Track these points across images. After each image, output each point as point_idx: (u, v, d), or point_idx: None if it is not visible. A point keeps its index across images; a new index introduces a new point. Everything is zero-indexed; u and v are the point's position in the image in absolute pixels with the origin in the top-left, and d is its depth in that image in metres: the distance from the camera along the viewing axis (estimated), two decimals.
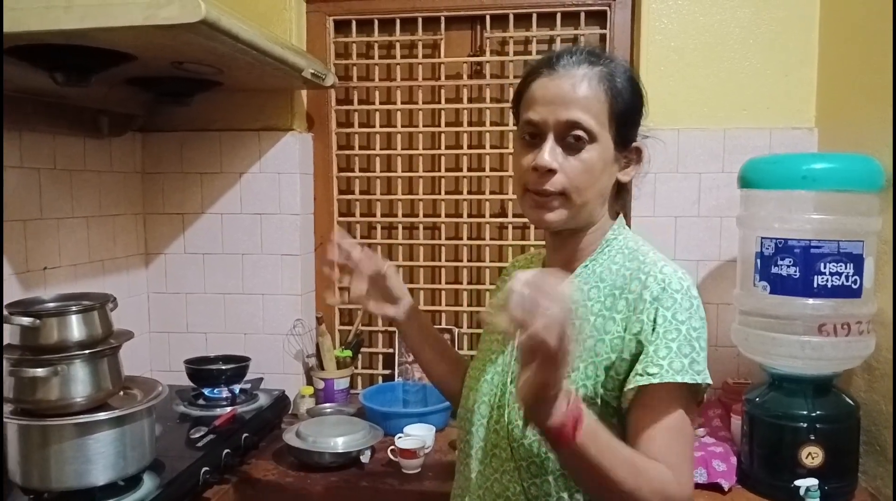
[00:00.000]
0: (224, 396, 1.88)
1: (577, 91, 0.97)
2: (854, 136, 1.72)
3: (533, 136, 1.00)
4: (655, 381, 0.92)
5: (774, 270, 1.53)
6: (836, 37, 1.84)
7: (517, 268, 1.18)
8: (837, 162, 1.54)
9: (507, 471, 1.02)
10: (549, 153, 0.98)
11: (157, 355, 2.11)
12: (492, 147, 2.13)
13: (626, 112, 1.01)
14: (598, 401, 0.98)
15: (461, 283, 2.18)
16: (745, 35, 1.93)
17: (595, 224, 1.06)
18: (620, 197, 1.10)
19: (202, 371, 1.91)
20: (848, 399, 1.55)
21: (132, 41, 1.31)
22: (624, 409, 0.97)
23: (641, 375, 0.93)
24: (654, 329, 0.94)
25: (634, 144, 1.04)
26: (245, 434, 1.70)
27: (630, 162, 1.05)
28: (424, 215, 2.18)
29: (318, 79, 1.83)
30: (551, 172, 0.98)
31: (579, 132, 0.97)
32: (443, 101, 2.14)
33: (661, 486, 0.88)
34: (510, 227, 2.14)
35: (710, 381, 0.95)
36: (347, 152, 2.20)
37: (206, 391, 1.89)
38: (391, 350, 2.20)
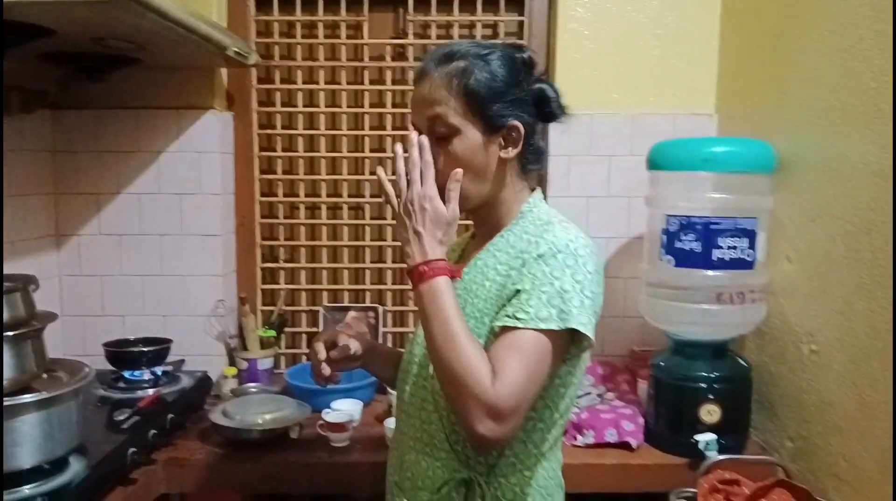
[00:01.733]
0: (146, 378, 1.85)
1: (433, 92, 1.07)
2: (750, 122, 1.88)
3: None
4: (521, 326, 0.98)
5: (678, 245, 1.65)
6: (735, 30, 1.99)
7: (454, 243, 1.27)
8: (735, 146, 1.68)
9: (432, 421, 1.12)
10: None
11: (72, 339, 2.04)
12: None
13: (487, 99, 1.07)
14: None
15: (385, 262, 2.22)
16: (652, 26, 2.06)
17: (501, 199, 1.13)
18: (528, 173, 1.16)
19: (122, 354, 1.88)
20: (742, 361, 1.71)
21: (54, 16, 1.27)
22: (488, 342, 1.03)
23: (510, 317, 0.99)
24: (532, 282, 1.00)
25: (511, 123, 1.08)
26: (170, 415, 1.69)
27: (509, 141, 1.10)
28: (349, 195, 2.20)
29: (241, 57, 1.82)
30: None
31: (442, 129, 1.07)
32: (366, 82, 2.17)
33: (473, 374, 0.94)
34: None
35: (579, 327, 0.99)
36: (269, 132, 2.19)
37: (126, 374, 1.86)
38: (315, 329, 2.22)
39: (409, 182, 1.04)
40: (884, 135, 1.31)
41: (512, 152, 1.10)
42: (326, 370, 1.20)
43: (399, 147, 1.07)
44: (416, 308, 2.21)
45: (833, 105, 1.49)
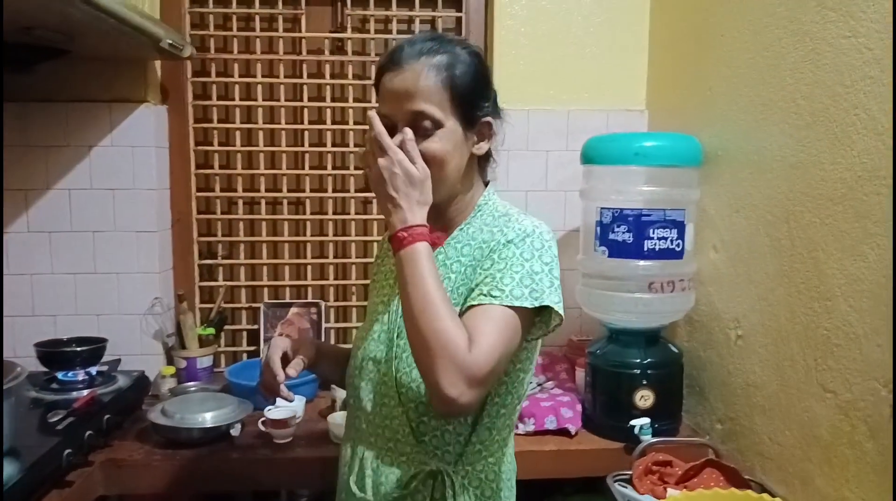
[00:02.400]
0: (80, 379, 1.80)
1: (419, 83, 1.05)
2: (678, 117, 1.95)
3: (388, 127, 1.06)
4: (496, 302, 1.01)
5: (612, 236, 1.71)
6: (663, 29, 2.07)
7: None
8: (664, 141, 1.75)
9: (395, 417, 1.12)
10: None
11: None
12: (355, 123, 2.18)
13: (468, 95, 1.08)
14: None
15: (327, 257, 2.22)
16: (585, 23, 2.11)
17: (463, 193, 1.15)
18: (483, 167, 1.20)
19: (55, 354, 1.82)
20: (673, 348, 1.78)
21: None
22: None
23: (485, 295, 1.02)
24: (504, 264, 1.04)
25: (484, 120, 1.11)
26: (107, 416, 1.65)
27: (483, 137, 1.13)
28: (288, 190, 2.19)
29: (175, 49, 1.78)
30: None
31: (426, 122, 1.05)
32: (305, 76, 2.16)
33: (451, 338, 0.96)
34: (374, 201, 2.20)
35: (552, 305, 1.03)
36: (205, 126, 2.16)
37: (59, 375, 1.80)
38: (256, 327, 2.20)
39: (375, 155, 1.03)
40: (799, 129, 1.39)
41: (484, 148, 1.13)
42: (288, 393, 1.21)
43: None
44: (359, 303, 2.22)
45: (754, 101, 1.56)
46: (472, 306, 1.02)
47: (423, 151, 1.05)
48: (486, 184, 1.21)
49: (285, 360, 1.22)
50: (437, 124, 1.06)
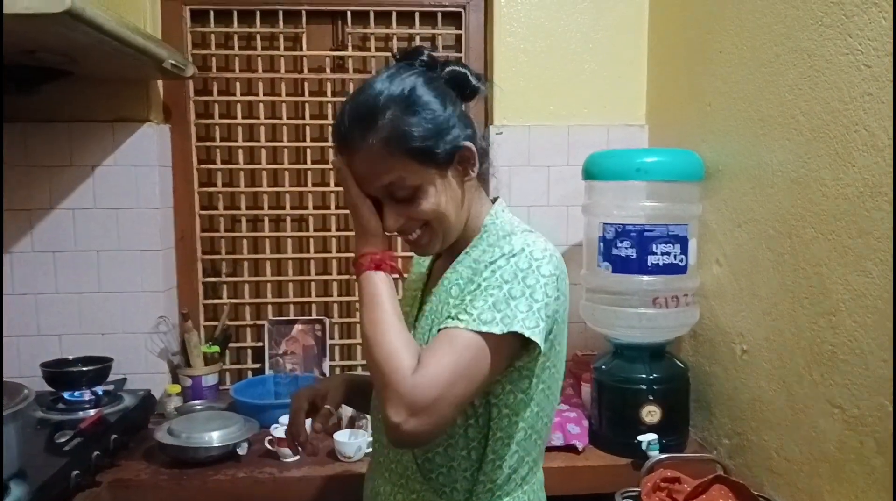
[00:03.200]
0: (86, 399, 1.80)
1: (376, 166, 1.01)
2: (678, 132, 1.96)
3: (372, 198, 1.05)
4: (462, 326, 0.95)
5: (615, 251, 1.72)
6: (661, 44, 2.08)
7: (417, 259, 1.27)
8: (665, 156, 1.76)
9: (404, 452, 1.09)
10: (392, 218, 1.05)
11: (6, 360, 1.96)
12: None
13: (428, 142, 1.01)
14: None
15: (331, 273, 2.23)
16: (585, 40, 2.13)
17: (469, 220, 1.10)
18: (481, 179, 1.14)
19: (62, 374, 1.82)
20: (679, 363, 1.79)
21: None
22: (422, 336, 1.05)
23: (452, 318, 0.97)
24: (480, 284, 0.98)
25: (459, 147, 1.04)
26: (113, 436, 1.66)
27: (466, 164, 1.06)
28: (291, 208, 2.20)
29: (177, 69, 1.80)
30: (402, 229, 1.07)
31: (402, 192, 1.02)
32: (306, 94, 2.17)
33: (392, 361, 0.94)
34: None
35: (523, 331, 0.96)
36: (208, 144, 2.17)
37: (66, 395, 1.80)
38: (260, 344, 2.20)
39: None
40: (800, 145, 1.40)
41: (473, 173, 1.07)
42: (315, 447, 1.20)
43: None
44: None
45: (753, 117, 1.57)
46: (440, 329, 0.98)
47: (417, 215, 1.04)
48: (495, 200, 1.16)
49: (314, 409, 1.21)
50: (416, 186, 1.02)
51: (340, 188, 2.20)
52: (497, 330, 0.95)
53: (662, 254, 1.68)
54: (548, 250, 1.02)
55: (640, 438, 1.64)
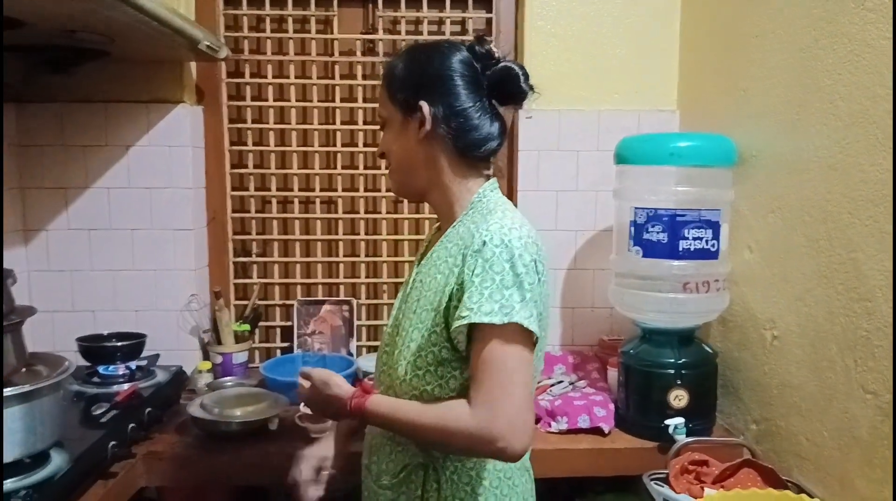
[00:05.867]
0: (120, 373, 1.84)
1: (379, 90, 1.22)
2: (710, 117, 1.95)
3: None
4: (465, 322, 1.01)
5: (646, 236, 1.72)
6: (694, 29, 2.07)
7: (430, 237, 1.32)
8: (698, 141, 1.75)
9: None
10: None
11: (42, 335, 2.00)
12: None
13: (401, 84, 1.16)
14: (432, 345, 1.09)
15: (359, 256, 2.24)
16: (616, 24, 2.12)
17: (446, 188, 1.17)
18: (471, 159, 1.17)
19: (97, 349, 1.86)
20: (707, 348, 1.78)
21: (25, 7, 1.25)
22: (463, 352, 1.08)
23: (458, 318, 1.03)
24: (471, 278, 1.03)
25: (417, 105, 1.13)
26: (147, 409, 1.69)
27: (422, 123, 1.14)
28: (320, 190, 2.22)
29: (211, 51, 1.81)
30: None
31: (378, 119, 1.22)
32: (337, 76, 2.18)
33: (451, 428, 1.03)
34: (405, 201, 2.22)
35: (522, 322, 1.00)
36: (239, 126, 2.19)
37: (100, 369, 1.84)
38: (289, 323, 2.23)
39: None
40: (837, 130, 1.39)
41: (422, 133, 1.14)
42: None
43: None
44: (389, 301, 2.24)
45: (790, 101, 1.56)
46: (463, 334, 1.04)
47: (380, 144, 1.23)
48: (489, 178, 1.20)
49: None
50: (384, 121, 1.20)
51: (368, 171, 2.23)
52: (497, 321, 1.00)
53: (694, 239, 1.68)
54: (523, 237, 1.06)
55: (667, 422, 1.65)
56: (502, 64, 1.15)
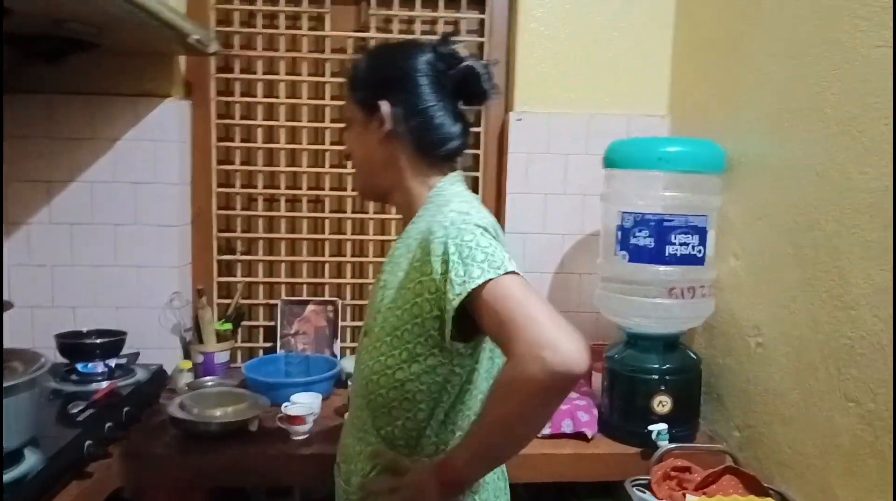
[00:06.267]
0: (99, 371, 1.81)
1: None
2: (701, 123, 1.95)
3: None
4: (464, 294, 0.97)
5: (633, 240, 1.71)
6: (687, 34, 2.07)
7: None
8: (688, 146, 1.75)
9: (363, 407, 1.17)
10: None
11: (20, 331, 1.98)
12: None
13: (362, 84, 1.18)
14: (405, 343, 1.08)
15: (345, 255, 2.23)
16: (609, 28, 2.11)
17: (406, 187, 1.18)
18: (431, 156, 1.17)
19: (76, 345, 1.83)
20: (692, 354, 1.78)
21: None
22: (445, 341, 1.05)
23: (452, 298, 0.98)
24: (448, 258, 1.00)
25: (376, 105, 1.14)
26: (126, 408, 1.66)
27: (382, 122, 1.14)
28: (308, 188, 2.20)
29: (201, 45, 1.79)
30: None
31: (344, 121, 1.23)
32: (328, 74, 2.16)
33: (499, 386, 0.97)
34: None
35: (512, 268, 0.98)
36: (227, 122, 2.16)
37: (79, 367, 1.81)
38: (272, 323, 2.21)
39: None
40: (826, 138, 1.39)
41: (382, 132, 1.14)
42: None
43: None
44: None
45: (780, 108, 1.56)
46: (456, 307, 0.99)
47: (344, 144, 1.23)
48: (449, 173, 1.19)
49: None
50: (347, 121, 1.21)
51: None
52: (492, 275, 0.97)
53: (681, 244, 1.67)
54: (481, 215, 1.08)
55: (650, 427, 1.64)
56: (465, 63, 1.15)
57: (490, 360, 1.16)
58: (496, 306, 0.96)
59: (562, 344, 0.88)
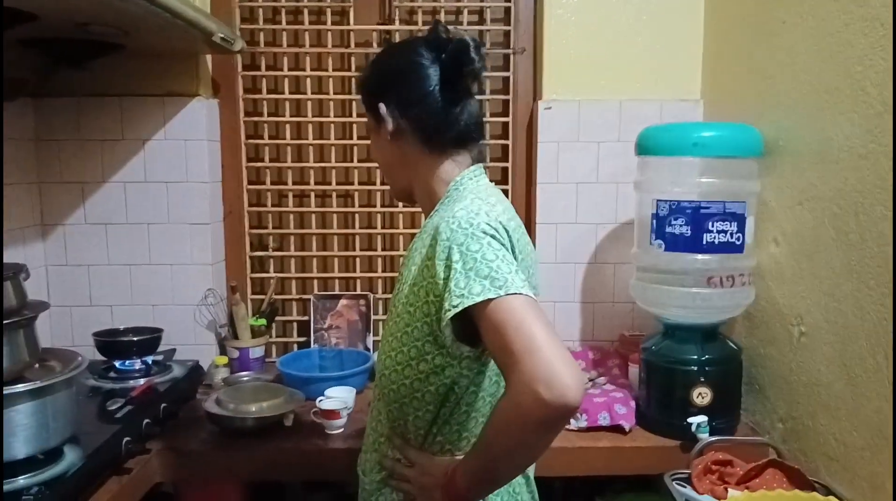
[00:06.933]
0: (137, 368, 1.84)
1: None
2: (735, 107, 1.89)
3: None
4: (459, 309, 0.96)
5: (668, 229, 1.67)
6: (718, 16, 2.01)
7: None
8: (723, 131, 1.69)
9: (380, 399, 1.19)
10: None
11: (60, 330, 2.02)
12: None
13: (365, 91, 1.20)
14: (414, 340, 1.07)
15: (375, 249, 2.22)
16: (638, 11, 2.06)
17: (422, 182, 1.18)
18: (440, 147, 1.15)
19: (113, 343, 1.86)
20: (732, 344, 1.73)
21: (38, 0, 1.25)
22: (447, 338, 1.03)
23: (448, 309, 0.97)
24: (451, 265, 0.99)
25: (376, 106, 1.16)
26: (163, 405, 1.68)
27: (384, 122, 1.15)
28: (337, 183, 2.19)
29: (226, 44, 1.79)
30: None
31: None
32: (353, 68, 2.15)
33: (496, 413, 0.97)
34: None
35: (518, 290, 0.95)
36: (255, 119, 2.17)
37: (117, 364, 1.84)
38: (306, 318, 2.22)
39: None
40: (869, 118, 1.33)
41: (388, 132, 1.15)
42: None
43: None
44: None
45: (818, 89, 1.50)
46: (450, 320, 0.98)
47: None
48: (471, 165, 1.17)
49: None
50: (368, 127, 1.23)
51: None
52: (493, 295, 0.94)
53: (718, 232, 1.62)
54: (490, 215, 1.04)
55: (690, 420, 1.60)
56: (456, 39, 1.12)
57: None
58: (495, 329, 0.94)
59: (556, 378, 0.88)
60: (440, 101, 1.13)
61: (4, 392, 1.18)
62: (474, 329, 0.99)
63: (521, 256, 1.08)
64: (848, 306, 1.40)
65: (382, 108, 1.15)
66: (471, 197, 1.09)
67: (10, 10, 1.31)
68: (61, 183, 1.99)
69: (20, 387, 1.21)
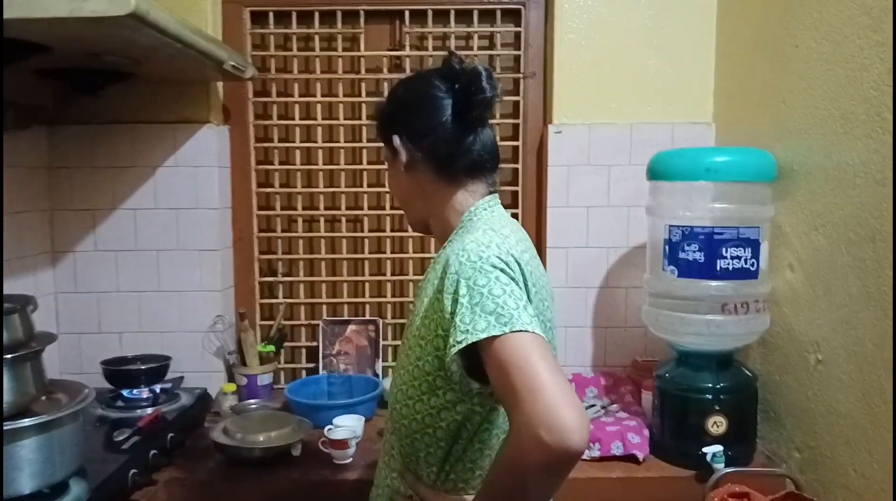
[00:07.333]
0: (144, 396, 1.83)
1: None
2: (748, 131, 1.88)
3: None
4: (463, 345, 0.94)
5: (682, 255, 1.65)
6: (730, 39, 2.00)
7: None
8: (736, 155, 1.68)
9: (392, 432, 1.16)
10: None
11: (69, 357, 2.02)
12: None
13: (380, 124, 1.20)
14: (426, 374, 1.05)
15: (385, 274, 2.21)
16: (649, 35, 2.06)
17: (436, 213, 1.17)
18: (455, 178, 1.14)
19: (121, 372, 1.85)
20: (747, 372, 1.70)
21: (52, 33, 1.25)
22: (454, 374, 1.01)
23: (453, 344, 0.96)
24: (458, 299, 0.97)
25: (390, 138, 1.16)
26: (170, 434, 1.67)
27: (398, 153, 1.15)
28: (346, 208, 2.19)
29: (237, 71, 1.80)
30: None
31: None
32: (363, 94, 2.16)
33: (501, 457, 0.95)
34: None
35: (524, 327, 0.93)
36: (266, 145, 2.18)
37: (125, 393, 1.83)
38: (314, 344, 2.20)
39: None
40: (885, 144, 1.31)
41: (403, 164, 1.15)
42: None
43: None
44: None
45: (833, 114, 1.49)
46: (457, 357, 0.97)
47: None
48: (487, 195, 1.16)
49: None
50: (386, 160, 1.22)
51: None
52: (497, 332, 0.92)
53: (732, 258, 1.60)
54: (501, 247, 1.02)
55: (705, 449, 1.57)
56: (468, 68, 1.11)
57: None
58: (498, 367, 0.92)
59: (558, 421, 0.84)
60: (452, 130, 1.12)
61: (10, 427, 1.17)
62: (483, 365, 0.97)
63: (534, 288, 1.06)
64: (866, 333, 1.37)
65: (396, 140, 1.15)
66: (483, 228, 1.07)
67: (24, 42, 1.32)
68: (72, 210, 2.00)
69: (26, 422, 1.20)
